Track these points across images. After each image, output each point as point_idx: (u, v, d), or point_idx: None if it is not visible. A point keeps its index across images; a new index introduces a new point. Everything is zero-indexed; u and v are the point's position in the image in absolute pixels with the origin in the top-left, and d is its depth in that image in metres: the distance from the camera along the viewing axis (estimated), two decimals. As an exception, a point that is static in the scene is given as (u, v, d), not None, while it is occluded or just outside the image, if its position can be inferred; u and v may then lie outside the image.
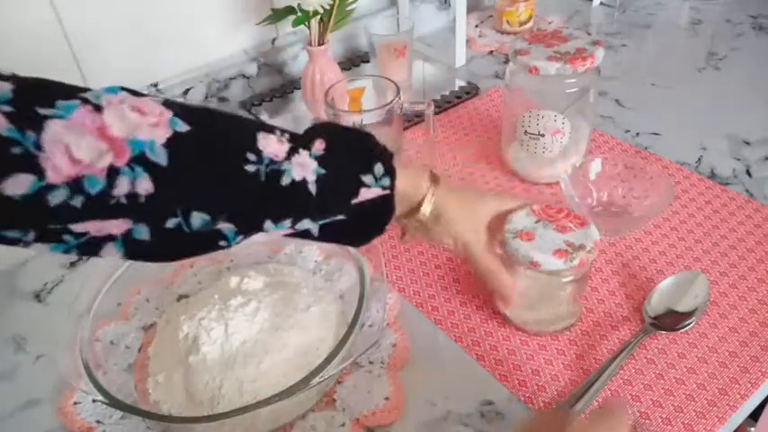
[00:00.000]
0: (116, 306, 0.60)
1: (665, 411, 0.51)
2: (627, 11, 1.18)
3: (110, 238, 0.37)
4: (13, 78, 0.35)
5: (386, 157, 0.46)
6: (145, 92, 0.86)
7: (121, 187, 0.35)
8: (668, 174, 0.75)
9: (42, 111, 0.34)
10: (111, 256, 0.38)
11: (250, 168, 0.39)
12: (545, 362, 0.55)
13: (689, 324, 0.56)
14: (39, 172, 0.33)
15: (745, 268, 0.63)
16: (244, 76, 0.93)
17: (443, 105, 0.91)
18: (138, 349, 0.57)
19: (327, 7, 0.80)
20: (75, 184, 0.34)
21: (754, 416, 0.68)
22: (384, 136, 0.49)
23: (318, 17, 0.82)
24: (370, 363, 0.55)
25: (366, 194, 0.44)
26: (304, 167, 0.42)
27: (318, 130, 0.46)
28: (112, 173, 0.35)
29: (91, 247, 0.37)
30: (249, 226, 0.41)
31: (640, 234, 0.67)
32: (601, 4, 1.21)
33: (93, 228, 0.36)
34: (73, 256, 0.69)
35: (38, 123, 0.33)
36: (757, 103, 0.88)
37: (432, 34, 1.11)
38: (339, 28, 0.87)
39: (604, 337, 0.57)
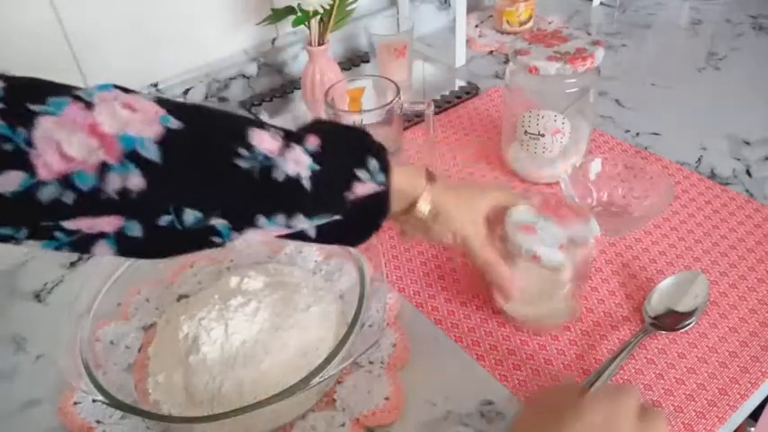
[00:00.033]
0: (116, 306, 0.60)
1: (665, 411, 0.51)
2: (627, 11, 1.18)
3: (102, 235, 0.37)
4: (4, 77, 0.35)
5: (381, 153, 0.46)
6: (145, 92, 0.86)
7: (113, 184, 0.35)
8: (668, 174, 0.75)
9: (33, 107, 0.34)
10: (103, 254, 0.38)
11: (243, 164, 0.39)
12: (545, 362, 0.55)
13: (689, 324, 0.56)
14: (29, 169, 0.33)
15: (745, 268, 0.63)
16: (244, 76, 0.93)
17: (443, 105, 0.91)
18: (138, 349, 0.57)
19: (327, 7, 0.80)
20: (66, 181, 0.34)
21: (754, 416, 0.68)
22: (384, 136, 0.49)
23: (318, 17, 0.82)
24: (370, 363, 0.55)
25: (360, 189, 0.44)
26: (298, 163, 0.41)
27: (313, 127, 0.45)
28: (104, 169, 0.35)
29: (83, 244, 0.37)
30: (242, 221, 0.40)
31: (640, 234, 0.67)
32: (601, 4, 1.21)
33: (86, 225, 0.36)
34: (73, 256, 0.70)
35: (29, 120, 0.33)
36: (757, 103, 0.88)
37: (432, 34, 1.11)
38: (339, 28, 0.87)
39: (604, 337, 0.57)
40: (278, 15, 0.84)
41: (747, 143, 0.80)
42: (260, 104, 0.92)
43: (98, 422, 0.52)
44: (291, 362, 0.51)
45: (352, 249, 0.56)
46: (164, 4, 0.82)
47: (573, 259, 0.51)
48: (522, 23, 1.11)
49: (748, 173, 0.75)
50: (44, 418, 0.54)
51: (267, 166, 0.40)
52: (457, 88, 0.95)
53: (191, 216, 0.38)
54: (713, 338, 0.56)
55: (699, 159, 0.78)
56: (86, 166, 0.34)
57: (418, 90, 0.98)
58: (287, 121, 0.90)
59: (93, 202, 0.35)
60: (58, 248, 0.37)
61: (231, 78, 0.92)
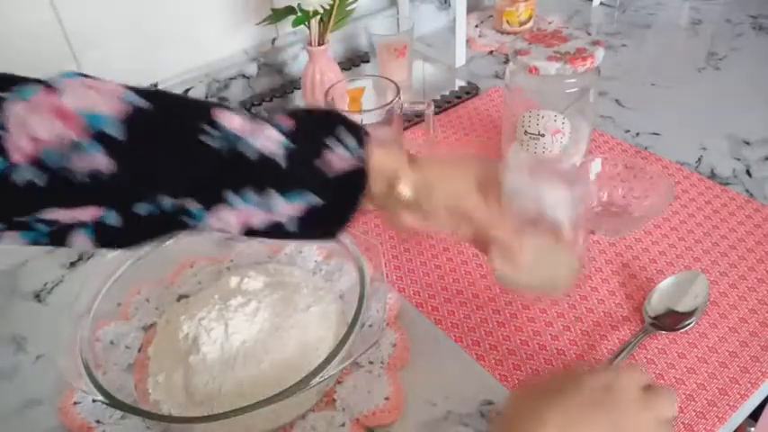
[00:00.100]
0: (116, 306, 0.60)
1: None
2: (627, 11, 1.18)
3: (80, 224, 0.37)
4: None
5: (356, 129, 0.45)
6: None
7: (81, 162, 0.35)
8: (668, 174, 0.75)
9: (2, 94, 0.35)
10: (80, 245, 0.38)
11: (210, 141, 0.39)
12: (545, 361, 0.55)
13: (689, 324, 0.56)
14: (3, 153, 0.34)
15: (745, 268, 0.63)
16: (244, 76, 0.93)
17: (443, 105, 0.91)
18: (138, 349, 0.57)
19: (327, 7, 0.80)
20: (38, 163, 0.35)
21: (754, 416, 0.68)
22: (384, 136, 0.48)
23: (318, 17, 0.82)
24: (370, 363, 0.55)
25: (335, 160, 0.42)
26: (270, 139, 0.41)
27: (286, 111, 0.46)
28: (70, 146, 0.35)
29: (61, 235, 0.37)
30: (212, 199, 0.40)
31: (640, 234, 0.67)
32: (601, 4, 1.21)
33: (63, 215, 0.36)
34: (73, 256, 0.70)
35: None
36: (757, 103, 0.88)
37: (432, 34, 1.11)
38: (339, 28, 0.87)
39: (604, 337, 0.57)
40: (278, 15, 0.84)
41: (747, 143, 0.80)
42: (260, 104, 0.92)
43: (98, 422, 0.52)
44: (291, 362, 0.51)
45: (352, 249, 0.56)
46: (164, 4, 0.82)
47: (572, 220, 0.49)
48: (522, 23, 1.11)
49: (748, 173, 0.75)
50: (44, 418, 0.54)
51: (235, 142, 0.39)
52: (457, 88, 0.95)
53: (166, 202, 0.38)
54: (713, 338, 0.56)
55: (699, 159, 0.78)
56: (53, 144, 0.35)
57: (418, 90, 0.98)
58: (287, 121, 0.90)
59: (65, 185, 0.35)
60: (35, 240, 0.37)
61: (231, 78, 0.92)
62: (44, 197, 0.36)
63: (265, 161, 0.40)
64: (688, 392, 0.52)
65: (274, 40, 0.95)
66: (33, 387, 0.57)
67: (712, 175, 0.75)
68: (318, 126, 0.44)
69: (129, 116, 0.37)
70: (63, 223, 0.37)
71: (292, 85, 0.96)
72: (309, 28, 0.83)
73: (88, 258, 0.70)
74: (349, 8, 0.86)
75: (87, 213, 0.37)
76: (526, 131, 0.72)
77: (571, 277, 0.55)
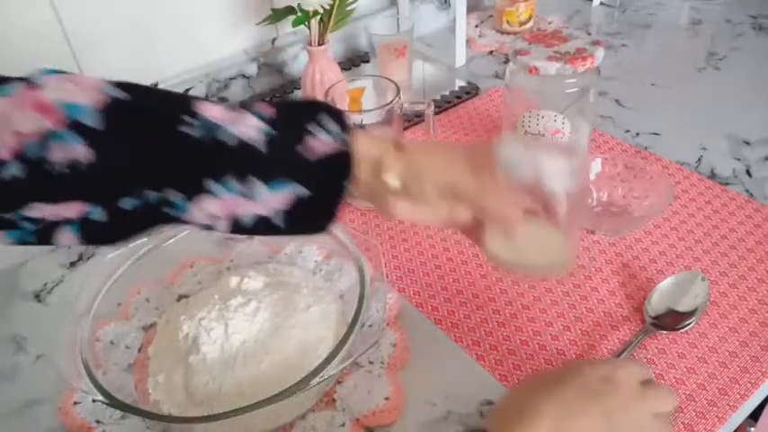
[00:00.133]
0: (116, 306, 0.60)
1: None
2: (627, 11, 1.18)
3: (66, 222, 0.37)
4: None
5: (338, 114, 0.44)
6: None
7: (59, 152, 0.35)
8: (668, 174, 0.75)
9: None
10: (66, 242, 0.38)
11: (189, 130, 0.39)
12: (545, 361, 0.55)
13: (689, 324, 0.56)
14: None
15: (745, 268, 0.63)
16: (244, 76, 0.93)
17: (443, 105, 0.91)
18: (138, 349, 0.57)
19: (327, 7, 0.80)
20: (22, 158, 0.35)
21: (754, 416, 0.68)
22: (384, 136, 0.47)
23: (318, 17, 0.82)
24: (370, 363, 0.55)
25: (317, 145, 0.41)
26: (250, 126, 0.41)
27: (266, 101, 0.45)
28: (48, 136, 0.35)
29: (47, 233, 0.37)
30: (193, 187, 0.39)
31: (640, 234, 0.67)
32: (601, 4, 1.21)
33: (49, 212, 0.36)
34: (73, 256, 0.70)
35: None
36: (757, 103, 0.88)
37: (432, 34, 1.11)
38: (339, 28, 0.87)
39: (604, 337, 0.57)
40: (278, 15, 0.84)
41: (747, 143, 0.80)
42: (260, 104, 0.92)
43: (98, 422, 0.52)
44: (291, 362, 0.51)
45: (352, 249, 0.56)
46: (164, 4, 0.82)
47: (570, 190, 0.48)
48: (522, 23, 1.11)
49: (748, 173, 0.75)
50: (44, 418, 0.54)
51: (215, 131, 0.39)
52: (457, 88, 0.95)
53: (149, 194, 0.38)
54: (713, 338, 0.56)
55: (699, 159, 0.78)
56: (33, 137, 0.35)
57: (418, 90, 0.98)
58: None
59: (45, 176, 0.35)
60: (22, 240, 0.37)
61: (231, 78, 0.92)
62: (27, 191, 0.36)
63: (245, 147, 0.40)
64: (688, 392, 0.52)
65: (274, 40, 0.95)
66: (33, 387, 0.57)
67: (712, 175, 0.75)
68: (300, 113, 0.43)
69: (107, 106, 0.37)
70: (49, 220, 0.37)
71: (292, 85, 0.96)
72: (309, 28, 0.83)
73: (88, 258, 0.70)
74: (349, 8, 0.86)
75: (72, 209, 0.37)
76: (526, 131, 0.72)
77: (565, 259, 0.52)
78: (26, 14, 0.72)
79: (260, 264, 0.63)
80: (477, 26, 1.15)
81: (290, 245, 0.66)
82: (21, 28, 0.72)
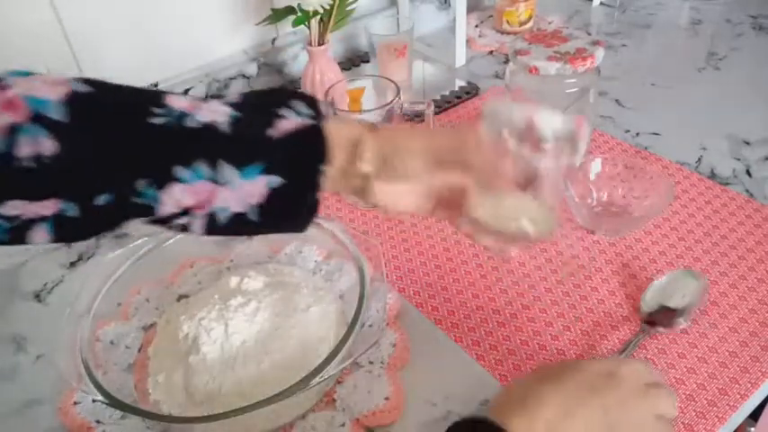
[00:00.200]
0: (116, 306, 0.60)
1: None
2: (627, 11, 1.18)
3: (41, 219, 0.37)
4: None
5: (309, 98, 0.43)
6: (153, 90, 0.86)
7: (26, 147, 0.35)
8: (668, 174, 0.75)
9: None
10: (40, 240, 0.38)
11: (157, 120, 0.38)
12: (544, 361, 0.55)
13: (682, 320, 0.56)
14: None
15: (745, 268, 0.63)
16: (244, 76, 0.93)
17: (443, 105, 0.91)
18: (138, 349, 0.57)
19: (327, 7, 0.80)
20: None
21: (754, 416, 0.68)
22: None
23: (318, 17, 0.82)
24: (370, 363, 0.55)
25: (285, 125, 0.40)
26: (214, 112, 0.40)
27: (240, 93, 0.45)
28: (12, 131, 0.35)
29: (21, 231, 0.37)
30: (161, 176, 0.38)
31: (640, 234, 0.67)
32: (601, 4, 1.21)
33: (23, 209, 0.36)
34: (73, 256, 0.70)
35: None
36: (757, 103, 0.88)
37: (432, 34, 1.11)
38: (339, 28, 0.87)
39: (604, 337, 0.57)
40: (278, 15, 0.84)
41: (747, 143, 0.80)
42: (260, 104, 0.92)
43: (98, 422, 0.52)
44: (291, 362, 0.51)
45: (352, 249, 0.56)
46: (164, 4, 0.82)
47: (558, 138, 0.47)
48: (522, 23, 1.11)
49: (748, 173, 0.75)
50: (44, 418, 0.54)
51: (182, 119, 0.39)
52: (457, 88, 0.95)
53: (120, 186, 0.38)
54: (713, 338, 0.56)
55: (699, 159, 0.78)
56: (2, 133, 0.35)
57: (418, 90, 0.98)
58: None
59: (11, 172, 0.35)
60: None
61: (231, 78, 0.92)
62: (1, 189, 0.36)
63: (209, 129, 0.39)
64: (688, 392, 0.52)
65: (274, 40, 0.95)
66: (33, 387, 0.57)
67: (712, 175, 0.75)
68: (270, 98, 0.43)
69: (71, 98, 0.37)
70: (24, 219, 0.37)
71: (292, 85, 0.96)
72: (309, 28, 0.83)
73: (88, 258, 0.70)
74: (349, 8, 0.86)
75: (47, 207, 0.37)
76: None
77: (548, 226, 0.49)
78: (26, 14, 0.72)
79: (260, 264, 0.63)
80: (477, 26, 1.15)
81: (290, 245, 0.66)
82: (21, 28, 0.72)
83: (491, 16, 1.15)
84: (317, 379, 0.45)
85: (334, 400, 0.52)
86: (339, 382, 0.53)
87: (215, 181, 0.39)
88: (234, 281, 0.57)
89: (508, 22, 1.10)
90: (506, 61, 0.87)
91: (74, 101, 0.37)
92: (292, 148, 0.40)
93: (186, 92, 0.88)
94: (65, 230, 0.38)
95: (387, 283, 0.63)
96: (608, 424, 0.41)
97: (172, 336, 0.55)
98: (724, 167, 0.76)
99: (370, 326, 0.52)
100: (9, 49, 0.72)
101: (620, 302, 0.60)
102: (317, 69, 0.85)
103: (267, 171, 0.40)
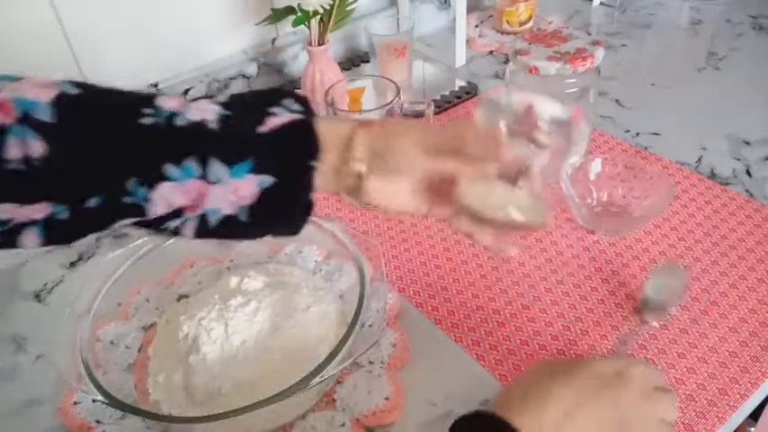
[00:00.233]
0: (116, 306, 0.60)
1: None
2: (627, 11, 1.18)
3: (32, 223, 0.37)
4: None
5: (300, 97, 0.43)
6: (144, 92, 0.86)
7: (13, 149, 0.35)
8: (668, 174, 0.75)
9: None
10: (30, 244, 0.38)
11: (146, 120, 0.38)
12: (543, 359, 0.55)
13: (669, 312, 0.57)
14: None
15: (745, 268, 0.63)
16: (244, 76, 0.93)
17: (443, 105, 0.91)
18: (138, 349, 0.57)
19: (327, 7, 0.80)
20: None
21: (754, 416, 0.68)
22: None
23: (318, 17, 0.82)
24: (370, 363, 0.55)
25: (275, 121, 0.40)
26: (203, 110, 0.40)
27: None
28: (1, 132, 0.35)
29: (13, 235, 0.37)
30: (151, 174, 0.38)
31: (640, 234, 0.67)
32: (601, 4, 1.21)
33: (15, 213, 0.36)
34: (73, 256, 0.70)
35: None
36: (757, 103, 0.88)
37: (432, 34, 1.11)
38: (339, 28, 0.87)
39: (604, 337, 0.57)
40: (278, 15, 0.84)
41: (747, 143, 0.80)
42: (260, 104, 0.92)
43: (98, 422, 0.52)
44: (291, 362, 0.51)
45: (352, 249, 0.56)
46: (164, 4, 0.82)
47: (556, 123, 0.47)
48: (522, 23, 1.11)
49: (748, 173, 0.75)
50: (44, 418, 0.54)
51: (172, 118, 0.39)
52: (457, 88, 0.95)
53: (109, 186, 0.37)
54: (713, 338, 0.56)
55: (699, 159, 0.78)
56: None
57: (418, 90, 0.98)
58: (287, 121, 0.90)
59: (5, 176, 0.35)
60: None
61: (231, 78, 0.92)
62: None
63: (197, 126, 0.39)
64: (688, 392, 0.52)
65: (274, 40, 0.95)
66: (33, 387, 0.57)
67: (712, 175, 0.75)
68: (261, 98, 0.42)
69: (61, 101, 0.37)
70: (16, 222, 0.37)
71: (292, 85, 0.97)
72: (309, 28, 0.83)
73: (88, 258, 0.70)
74: (349, 8, 0.86)
75: (38, 210, 0.37)
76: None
77: (535, 214, 0.48)
78: (26, 14, 0.72)
79: (260, 264, 0.63)
80: (477, 26, 1.15)
81: (290, 245, 0.66)
82: (21, 28, 0.72)
83: (491, 16, 1.16)
84: (317, 379, 0.45)
85: (334, 400, 0.52)
86: (339, 382, 0.53)
87: (205, 178, 0.38)
88: (234, 281, 0.57)
89: (508, 22, 1.10)
90: (506, 61, 0.87)
91: (62, 102, 0.36)
92: (281, 143, 0.40)
93: (186, 92, 0.88)
94: (55, 233, 0.38)
95: (387, 283, 0.63)
96: (619, 419, 0.41)
97: (172, 336, 0.55)
98: (724, 167, 0.76)
99: (370, 326, 0.52)
100: (9, 49, 0.72)
101: (621, 302, 0.60)
102: (316, 69, 0.85)
103: (257, 168, 0.39)
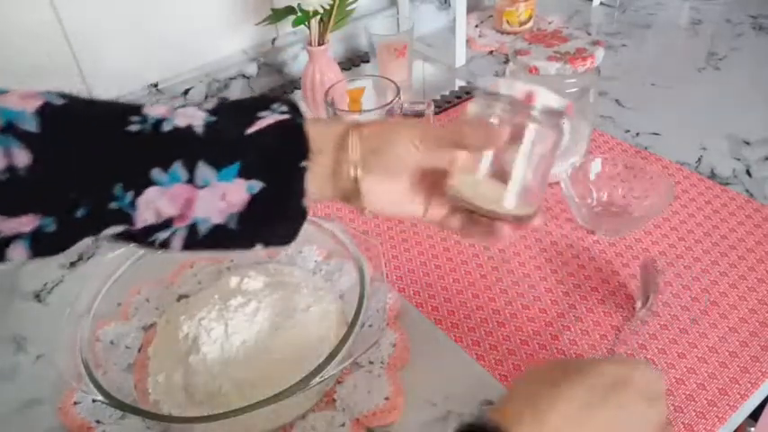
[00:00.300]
0: (116, 306, 0.60)
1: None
2: (627, 11, 1.18)
3: (19, 236, 0.36)
4: None
5: (290, 101, 0.42)
6: (144, 92, 0.86)
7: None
8: (668, 174, 0.75)
9: None
10: (17, 257, 0.37)
11: (132, 128, 0.38)
12: (543, 360, 0.55)
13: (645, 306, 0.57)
14: None
15: (745, 268, 0.63)
16: (244, 76, 0.93)
17: (443, 105, 0.91)
18: (138, 349, 0.57)
19: (327, 7, 0.80)
20: None
21: (754, 416, 0.68)
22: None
23: (318, 17, 0.82)
24: (370, 363, 0.55)
25: (261, 123, 0.39)
26: (189, 116, 0.39)
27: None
28: None
29: (0, 249, 0.37)
30: (138, 180, 0.37)
31: (640, 234, 0.67)
32: (601, 4, 1.21)
33: (4, 227, 0.36)
34: (73, 256, 0.70)
35: None
36: (757, 103, 0.88)
37: (432, 34, 1.11)
38: (339, 28, 0.87)
39: (604, 337, 0.57)
40: (278, 15, 0.84)
41: (747, 143, 0.80)
42: (260, 104, 0.92)
43: (98, 422, 0.52)
44: (291, 362, 0.51)
45: (352, 249, 0.56)
46: (163, 4, 0.82)
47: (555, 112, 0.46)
48: (522, 23, 1.11)
49: (748, 173, 0.75)
50: (44, 418, 0.54)
51: (158, 125, 0.38)
52: (457, 88, 0.95)
53: (95, 194, 0.37)
54: (713, 338, 0.56)
55: (699, 159, 0.78)
56: None
57: (418, 90, 0.98)
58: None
59: None
60: None
61: (231, 78, 0.92)
62: None
63: (184, 130, 0.38)
64: (688, 392, 0.52)
65: (274, 40, 0.95)
66: (33, 387, 0.57)
67: (712, 175, 0.75)
68: (249, 102, 0.42)
69: (45, 110, 0.36)
70: (2, 236, 0.36)
71: (292, 85, 0.97)
72: (309, 28, 0.83)
73: (88, 258, 0.70)
74: (349, 8, 0.86)
75: (26, 223, 0.36)
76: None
77: (525, 207, 0.47)
78: (26, 14, 0.72)
79: (260, 264, 0.63)
80: (477, 26, 1.15)
81: (291, 245, 0.65)
82: (21, 28, 0.72)
83: (491, 16, 1.15)
84: (317, 379, 0.45)
85: (334, 400, 0.52)
86: (339, 382, 0.53)
87: (192, 182, 0.38)
88: (234, 281, 0.57)
89: (508, 22, 1.10)
90: (506, 61, 0.87)
91: (47, 112, 0.36)
92: (268, 143, 0.39)
93: (186, 92, 0.88)
94: (42, 246, 0.37)
95: (387, 283, 0.63)
96: (627, 421, 0.40)
97: (172, 336, 0.55)
98: (724, 167, 0.76)
99: (370, 326, 0.52)
100: (9, 49, 0.72)
101: (621, 302, 0.60)
102: (316, 69, 0.85)
103: (245, 170, 0.38)
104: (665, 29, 1.12)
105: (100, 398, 0.45)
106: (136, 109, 0.39)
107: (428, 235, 0.69)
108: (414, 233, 0.70)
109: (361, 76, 0.98)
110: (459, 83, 0.96)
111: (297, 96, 0.94)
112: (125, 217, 0.38)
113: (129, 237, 0.39)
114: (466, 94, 0.93)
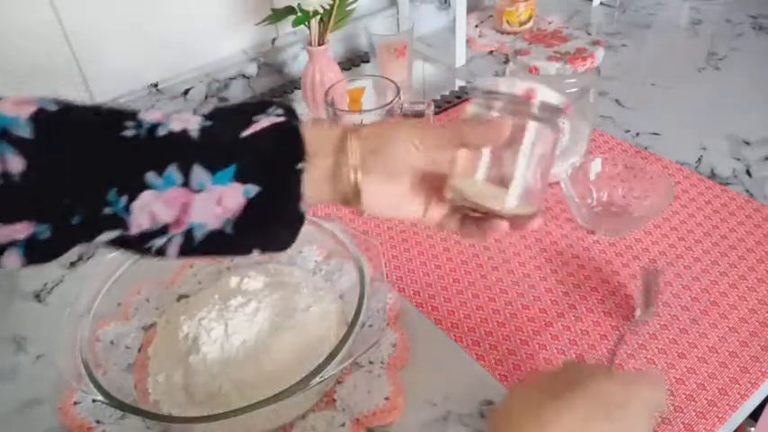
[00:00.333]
0: (116, 306, 0.60)
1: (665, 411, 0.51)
2: (627, 11, 1.18)
3: (13, 243, 0.36)
4: None
5: (286, 105, 0.41)
6: (144, 92, 0.86)
7: None
8: (668, 174, 0.75)
9: None
10: (11, 264, 0.37)
11: (127, 133, 0.37)
12: (545, 361, 0.55)
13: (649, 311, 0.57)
14: None
15: (745, 268, 0.63)
16: (244, 76, 0.93)
17: (443, 105, 0.91)
18: (138, 349, 0.57)
19: (327, 7, 0.80)
20: None
21: (754, 416, 0.68)
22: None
23: (318, 17, 0.82)
24: (370, 363, 0.55)
25: (256, 126, 0.39)
26: (185, 121, 0.39)
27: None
28: None
29: None
30: (132, 184, 0.37)
31: (640, 234, 0.67)
32: (601, 4, 1.21)
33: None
34: (73, 256, 0.70)
35: None
36: (757, 103, 0.88)
37: (432, 34, 1.11)
38: (339, 28, 0.87)
39: (604, 337, 0.57)
40: (278, 15, 0.84)
41: (747, 143, 0.80)
42: (260, 104, 0.92)
43: (98, 422, 0.52)
44: (291, 362, 0.51)
45: (352, 249, 0.56)
46: (163, 4, 0.82)
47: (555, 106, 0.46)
48: (522, 23, 1.11)
49: (748, 173, 0.75)
50: (44, 418, 0.54)
51: (153, 130, 0.38)
52: (457, 88, 0.95)
53: (89, 199, 0.37)
54: (713, 338, 0.56)
55: (699, 159, 0.78)
56: None
57: (418, 90, 0.98)
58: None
59: None
60: None
61: (231, 78, 0.92)
62: None
63: (178, 135, 0.38)
64: (688, 392, 0.52)
65: (274, 40, 0.95)
66: (33, 387, 0.57)
67: (712, 175, 0.75)
68: (245, 107, 0.41)
69: (39, 116, 0.36)
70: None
71: (292, 85, 0.97)
72: (309, 28, 0.83)
73: (88, 258, 0.70)
74: (349, 8, 0.86)
75: (18, 231, 0.36)
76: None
77: (524, 207, 0.47)
78: (26, 14, 0.72)
79: (260, 264, 0.63)
80: (477, 26, 1.15)
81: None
82: (21, 28, 0.72)
83: (491, 16, 1.16)
84: (317, 379, 0.45)
85: (334, 400, 0.52)
86: (339, 382, 0.53)
87: (187, 186, 0.37)
88: (234, 281, 0.57)
89: (508, 22, 1.10)
90: (506, 61, 0.87)
91: (41, 118, 0.36)
92: (263, 146, 0.39)
93: (186, 92, 0.88)
94: (37, 253, 0.37)
95: (387, 283, 0.63)
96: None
97: (172, 336, 0.55)
98: (724, 167, 0.76)
99: (370, 326, 0.52)
100: (9, 49, 0.72)
101: (621, 302, 0.60)
102: (316, 69, 0.85)
103: (240, 173, 0.38)
104: (665, 29, 1.12)
105: (100, 398, 0.45)
106: (131, 114, 0.39)
107: (428, 235, 0.69)
108: (414, 233, 0.70)
109: (361, 76, 0.98)
110: (459, 83, 0.96)
111: (297, 96, 0.94)
112: (119, 222, 0.37)
113: (124, 243, 0.39)
114: (466, 95, 0.93)
